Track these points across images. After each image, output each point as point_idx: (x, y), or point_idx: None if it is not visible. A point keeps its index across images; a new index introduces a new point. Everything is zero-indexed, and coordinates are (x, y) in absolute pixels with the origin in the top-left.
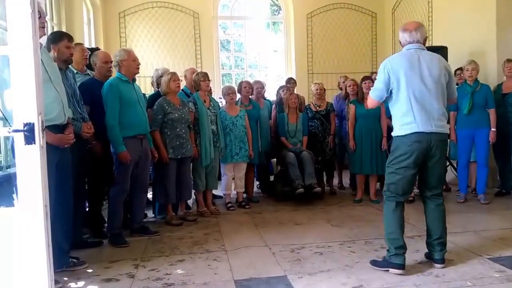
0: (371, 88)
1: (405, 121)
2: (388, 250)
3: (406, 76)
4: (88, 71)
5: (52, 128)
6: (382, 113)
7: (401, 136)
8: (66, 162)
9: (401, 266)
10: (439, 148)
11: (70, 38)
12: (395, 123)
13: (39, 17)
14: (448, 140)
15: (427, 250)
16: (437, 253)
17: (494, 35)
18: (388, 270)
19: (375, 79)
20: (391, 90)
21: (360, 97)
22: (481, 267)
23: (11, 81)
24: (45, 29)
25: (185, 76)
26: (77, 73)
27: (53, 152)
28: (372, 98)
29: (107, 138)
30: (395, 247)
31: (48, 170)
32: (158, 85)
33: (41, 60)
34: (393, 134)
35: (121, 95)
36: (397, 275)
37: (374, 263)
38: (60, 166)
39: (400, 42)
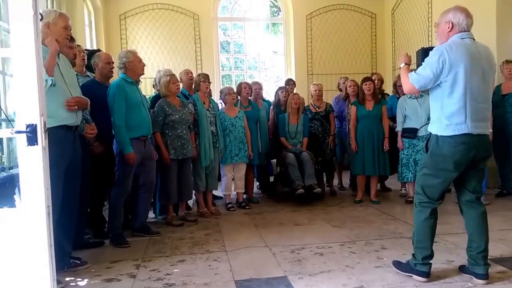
0: (413, 72)
1: (454, 120)
2: (414, 256)
3: (466, 72)
4: (88, 73)
5: (65, 129)
6: (383, 114)
7: (447, 136)
8: (76, 163)
9: (427, 275)
10: (487, 150)
11: (71, 38)
12: (439, 120)
13: (66, 28)
14: None
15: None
16: (481, 267)
17: (494, 36)
18: (411, 276)
19: (375, 79)
20: (439, 83)
21: (361, 99)
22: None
23: (13, 83)
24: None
25: (181, 79)
26: (77, 75)
27: (65, 152)
28: (413, 84)
29: (108, 138)
30: (423, 257)
31: (58, 174)
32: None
33: (57, 63)
34: (433, 131)
35: (127, 96)
36: (398, 276)
37: (397, 265)
38: (70, 167)
39: (454, 26)
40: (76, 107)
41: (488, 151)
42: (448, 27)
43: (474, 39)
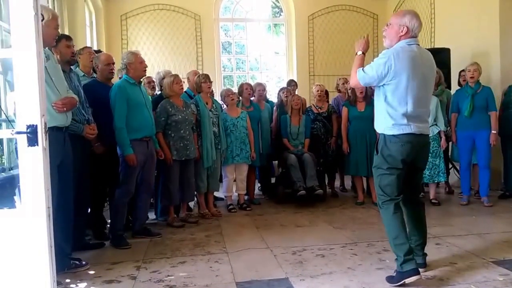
0: (361, 68)
1: (398, 121)
2: (397, 259)
3: (408, 80)
4: (95, 74)
5: (55, 130)
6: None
7: (393, 135)
8: (68, 164)
9: (416, 271)
10: (427, 150)
11: (67, 37)
12: (385, 119)
13: (56, 29)
14: (450, 142)
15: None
16: (419, 257)
17: (497, 37)
18: (405, 282)
19: None
20: (382, 85)
21: (353, 100)
22: (485, 270)
23: (14, 84)
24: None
25: (188, 79)
26: (83, 76)
27: (55, 154)
28: (357, 79)
29: (110, 139)
30: (404, 254)
31: (50, 171)
32: (161, 87)
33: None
34: (379, 130)
35: (129, 97)
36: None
37: (390, 280)
38: (62, 168)
39: (409, 30)
40: (64, 109)
41: (428, 150)
42: (402, 31)
43: (419, 45)
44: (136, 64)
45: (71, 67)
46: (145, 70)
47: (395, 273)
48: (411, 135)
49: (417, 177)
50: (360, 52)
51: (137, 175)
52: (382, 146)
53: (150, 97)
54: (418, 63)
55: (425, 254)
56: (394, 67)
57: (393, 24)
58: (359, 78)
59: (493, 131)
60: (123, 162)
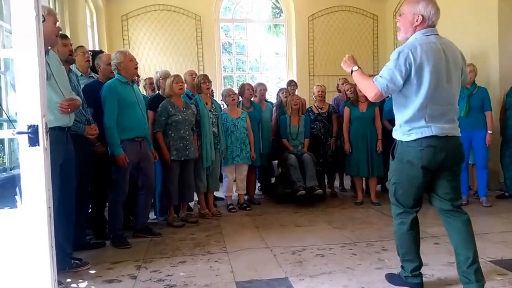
0: (377, 76)
1: (415, 125)
2: (403, 268)
3: (431, 74)
4: (92, 74)
5: (57, 130)
6: (376, 115)
7: (411, 141)
8: (70, 163)
9: (420, 285)
10: (457, 153)
11: (64, 36)
12: (401, 126)
13: (55, 25)
14: None
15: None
16: (473, 284)
17: (496, 38)
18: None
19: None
20: (403, 89)
21: (355, 100)
22: (483, 270)
23: (15, 84)
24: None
25: (185, 79)
26: (81, 75)
27: (58, 153)
28: (379, 88)
29: None
30: (411, 270)
31: (52, 171)
32: (158, 87)
33: (47, 62)
34: (397, 138)
35: (120, 97)
36: None
37: (390, 278)
38: (64, 168)
39: (425, 19)
40: (69, 109)
41: (459, 154)
42: (417, 20)
43: (438, 35)
44: (126, 63)
45: (70, 67)
46: (137, 68)
47: (397, 273)
48: (433, 138)
49: (453, 180)
50: (356, 68)
51: (132, 175)
52: (399, 150)
53: (148, 97)
54: (440, 55)
55: (482, 280)
56: (414, 63)
57: (406, 14)
58: (380, 87)
59: (489, 131)
60: (114, 162)
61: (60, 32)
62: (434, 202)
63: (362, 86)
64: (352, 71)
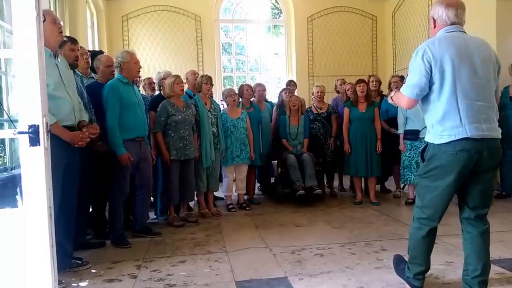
0: (403, 86)
1: (448, 124)
2: (408, 268)
3: (454, 66)
4: (93, 74)
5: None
6: (376, 115)
7: (444, 143)
8: (74, 164)
9: None
10: (494, 157)
11: (73, 40)
12: (433, 127)
13: (55, 23)
14: None
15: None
16: None
17: (494, 39)
18: (404, 285)
19: (373, 81)
20: (430, 85)
21: (354, 100)
22: None
23: (16, 84)
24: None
25: (187, 79)
26: (81, 76)
27: (62, 154)
28: (408, 96)
29: None
30: (415, 273)
31: (55, 172)
32: (160, 87)
33: (56, 64)
34: (429, 140)
35: (122, 97)
36: (397, 277)
37: (396, 264)
38: (68, 169)
39: (436, 21)
40: (89, 139)
41: (496, 158)
42: (432, 24)
43: (463, 31)
44: (131, 64)
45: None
46: (139, 71)
47: (402, 266)
48: (468, 140)
49: (484, 187)
50: (393, 92)
51: (131, 175)
52: (430, 153)
53: (147, 96)
54: (462, 48)
55: None
56: (433, 57)
57: (430, 18)
58: (407, 94)
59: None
60: (115, 163)
61: (71, 37)
62: (459, 209)
63: (396, 100)
64: (391, 98)
